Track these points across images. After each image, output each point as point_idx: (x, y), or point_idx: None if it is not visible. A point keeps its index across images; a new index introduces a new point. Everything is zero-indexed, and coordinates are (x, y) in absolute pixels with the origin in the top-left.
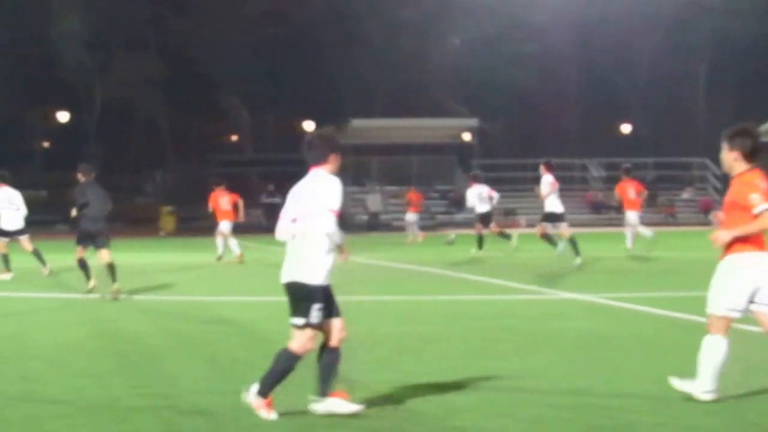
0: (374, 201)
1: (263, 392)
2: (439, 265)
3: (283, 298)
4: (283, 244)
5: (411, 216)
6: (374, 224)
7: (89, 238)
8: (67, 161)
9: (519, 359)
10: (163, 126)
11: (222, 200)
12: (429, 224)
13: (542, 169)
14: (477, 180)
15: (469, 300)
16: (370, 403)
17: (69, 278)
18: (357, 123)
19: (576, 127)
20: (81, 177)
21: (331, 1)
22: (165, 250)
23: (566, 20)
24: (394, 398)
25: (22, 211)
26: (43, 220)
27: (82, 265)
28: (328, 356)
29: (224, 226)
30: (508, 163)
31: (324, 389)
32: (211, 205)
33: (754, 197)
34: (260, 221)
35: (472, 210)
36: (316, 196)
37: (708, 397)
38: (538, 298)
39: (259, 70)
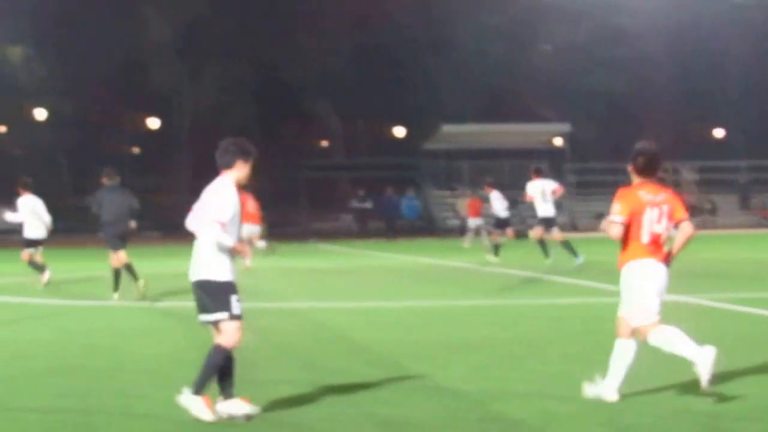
0: (465, 205)
1: (198, 391)
2: (532, 268)
3: (381, 304)
4: (374, 248)
5: (473, 221)
6: (465, 228)
7: (120, 240)
8: (158, 167)
9: None
10: (254, 132)
11: (248, 204)
12: (519, 228)
13: (532, 175)
14: (539, 174)
15: (566, 303)
16: (466, 410)
17: (163, 287)
18: (448, 128)
19: (668, 132)
20: (106, 180)
21: (423, 7)
22: (255, 256)
23: (658, 25)
24: (490, 406)
25: (46, 219)
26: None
27: (128, 268)
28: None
29: (253, 229)
30: (599, 168)
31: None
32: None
33: (614, 207)
34: (351, 226)
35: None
36: (209, 204)
37: (614, 398)
38: None
39: (350, 75)
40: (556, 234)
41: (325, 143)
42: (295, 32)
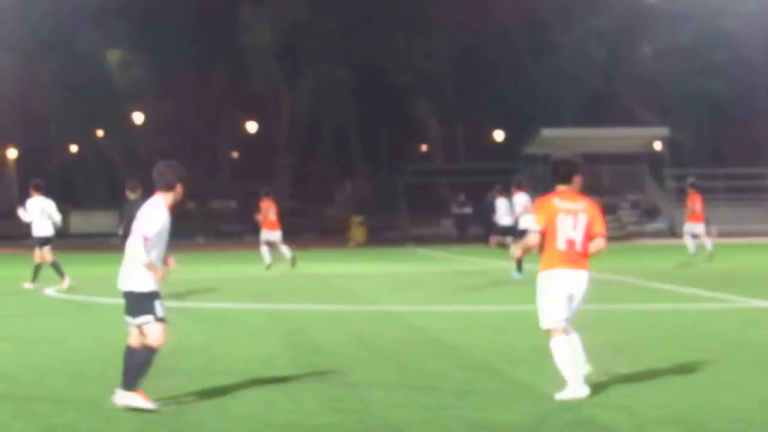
0: None
1: (130, 386)
2: (630, 273)
3: (476, 308)
4: (472, 253)
5: None
6: None
7: None
8: (256, 171)
9: (711, 370)
10: (353, 136)
11: (270, 211)
12: (620, 234)
13: (513, 189)
14: (521, 188)
15: (660, 309)
16: (557, 414)
17: (259, 288)
18: (547, 132)
19: None
20: (129, 194)
21: (525, 11)
22: (355, 260)
23: (759, 28)
24: (581, 411)
25: (56, 218)
26: (233, 230)
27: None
28: (135, 356)
29: (270, 235)
30: (699, 173)
31: (128, 384)
32: (261, 215)
33: (535, 217)
34: (451, 231)
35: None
36: (139, 219)
37: (584, 392)
38: (730, 306)
39: (449, 80)
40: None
41: (424, 147)
42: (395, 35)
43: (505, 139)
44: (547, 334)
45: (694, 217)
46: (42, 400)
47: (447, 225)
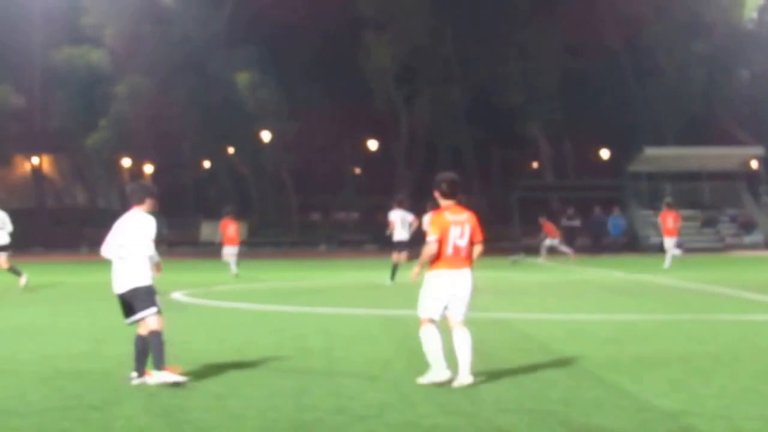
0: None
1: (159, 366)
2: (728, 284)
3: (583, 317)
4: (580, 263)
5: (550, 241)
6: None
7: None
8: (377, 187)
9: None
10: (467, 153)
11: (229, 228)
12: (719, 246)
13: (395, 204)
14: (402, 204)
15: (757, 320)
16: (657, 423)
17: (377, 294)
18: (650, 151)
19: None
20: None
21: (628, 36)
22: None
23: None
24: (680, 420)
25: (8, 228)
26: (355, 239)
27: None
28: (152, 341)
29: (228, 250)
30: None
31: (140, 368)
32: (220, 231)
33: (431, 229)
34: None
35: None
36: (139, 229)
37: (445, 376)
38: None
39: (558, 100)
40: (403, 256)
41: (535, 164)
42: (506, 58)
43: (611, 157)
44: (421, 322)
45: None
46: (170, 396)
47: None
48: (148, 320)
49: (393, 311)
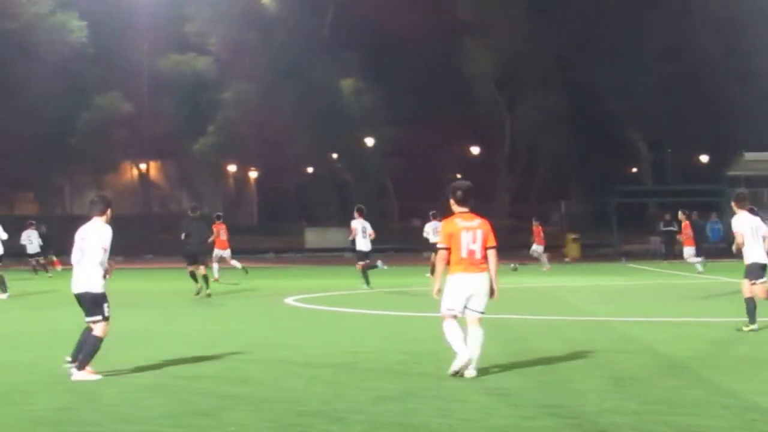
0: None
1: (83, 366)
2: None
3: (684, 319)
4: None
5: (536, 247)
6: None
7: (192, 257)
8: (479, 193)
9: None
10: (569, 158)
11: (220, 232)
12: None
13: (356, 214)
14: (362, 214)
15: None
16: (763, 423)
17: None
18: (750, 156)
19: None
20: (190, 213)
21: (728, 41)
22: (571, 274)
23: None
24: None
25: (3, 237)
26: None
27: (192, 276)
28: (89, 341)
29: (222, 253)
30: None
31: (77, 357)
32: (213, 236)
33: (441, 236)
34: (659, 248)
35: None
36: (96, 237)
37: (466, 356)
38: None
39: (657, 106)
40: (359, 265)
41: (634, 170)
42: (607, 64)
43: (709, 162)
44: (443, 318)
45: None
46: (279, 401)
47: (655, 242)
48: (94, 326)
49: (498, 315)
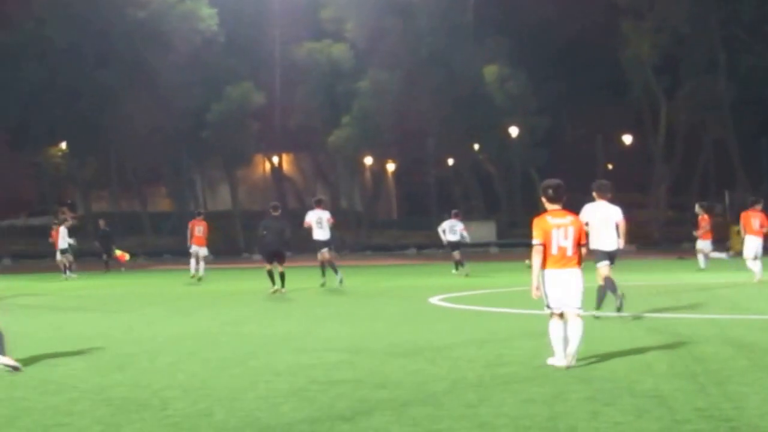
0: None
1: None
2: None
3: None
4: None
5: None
6: None
7: (271, 256)
8: (631, 183)
9: None
10: (731, 149)
11: (197, 228)
12: None
13: (316, 206)
14: (320, 205)
15: None
16: None
17: (636, 296)
18: None
19: None
20: (272, 211)
21: None
22: (735, 269)
23: None
24: None
25: None
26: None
27: (270, 274)
28: None
29: (197, 250)
30: None
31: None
32: (189, 232)
33: (534, 233)
34: None
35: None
36: None
37: (562, 363)
38: None
39: None
40: (325, 255)
41: None
42: None
43: None
44: (550, 316)
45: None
46: (421, 405)
47: None
48: None
49: (657, 315)
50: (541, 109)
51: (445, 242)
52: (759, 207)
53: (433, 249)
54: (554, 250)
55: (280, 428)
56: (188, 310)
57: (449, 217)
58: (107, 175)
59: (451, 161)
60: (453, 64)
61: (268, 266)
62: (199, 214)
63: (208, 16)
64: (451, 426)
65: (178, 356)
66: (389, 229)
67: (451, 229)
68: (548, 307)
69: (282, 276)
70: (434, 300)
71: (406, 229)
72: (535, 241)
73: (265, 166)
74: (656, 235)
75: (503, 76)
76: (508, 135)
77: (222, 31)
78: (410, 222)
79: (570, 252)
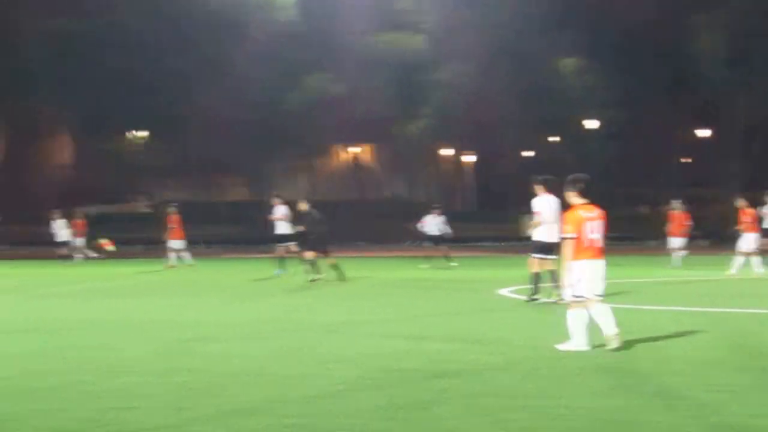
0: None
1: None
2: None
3: None
4: None
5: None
6: None
7: (320, 245)
8: (708, 178)
9: None
10: None
11: (173, 222)
12: None
13: (275, 201)
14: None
15: None
16: None
17: (698, 291)
18: None
19: None
20: (302, 206)
21: None
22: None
23: None
24: None
25: None
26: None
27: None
28: None
29: (173, 244)
30: None
31: None
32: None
33: (565, 227)
34: None
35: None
36: None
37: (584, 347)
38: None
39: None
40: (284, 249)
41: None
42: None
43: None
44: (571, 304)
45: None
46: (492, 396)
47: None
48: None
49: (717, 309)
50: (617, 102)
51: (426, 237)
52: None
53: (513, 242)
54: (586, 243)
55: (354, 416)
56: (255, 297)
57: (430, 213)
58: (184, 163)
59: (529, 153)
60: (529, 56)
61: (316, 257)
62: (172, 208)
63: (286, 6)
64: (522, 417)
65: (245, 342)
66: (468, 221)
67: (433, 225)
68: (576, 296)
69: (336, 266)
70: (504, 291)
71: (485, 221)
72: (569, 234)
73: (342, 156)
74: (729, 230)
75: (580, 69)
76: (584, 127)
77: (300, 21)
78: (489, 215)
79: (598, 244)
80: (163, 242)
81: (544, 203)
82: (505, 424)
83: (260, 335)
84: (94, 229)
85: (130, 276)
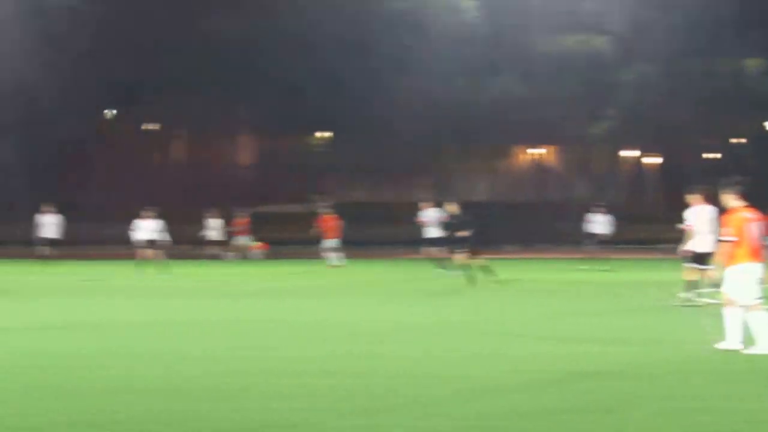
0: None
1: None
2: None
3: None
4: None
5: None
6: None
7: (469, 246)
8: None
9: None
10: None
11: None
12: None
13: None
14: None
15: None
16: None
17: None
18: None
19: None
20: (451, 208)
21: None
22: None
23: None
24: None
25: None
26: None
27: (466, 267)
28: None
29: (328, 243)
30: None
31: None
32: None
33: (726, 230)
34: None
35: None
36: None
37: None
38: None
39: None
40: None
41: None
42: None
43: None
44: (751, 308)
45: None
46: (681, 399)
47: None
48: None
49: None
50: None
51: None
52: None
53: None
54: (749, 244)
55: (543, 416)
56: (426, 301)
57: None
58: (368, 164)
59: (715, 155)
60: (715, 56)
61: (467, 258)
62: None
63: (469, 8)
64: (715, 420)
65: (412, 344)
66: (652, 223)
67: (598, 224)
68: (751, 299)
69: (486, 268)
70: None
71: (672, 223)
72: (731, 236)
73: (526, 157)
74: None
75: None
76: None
77: (482, 22)
78: (675, 217)
79: (759, 246)
80: (320, 242)
81: (695, 214)
82: (697, 426)
83: (442, 337)
84: (270, 228)
85: (296, 275)
